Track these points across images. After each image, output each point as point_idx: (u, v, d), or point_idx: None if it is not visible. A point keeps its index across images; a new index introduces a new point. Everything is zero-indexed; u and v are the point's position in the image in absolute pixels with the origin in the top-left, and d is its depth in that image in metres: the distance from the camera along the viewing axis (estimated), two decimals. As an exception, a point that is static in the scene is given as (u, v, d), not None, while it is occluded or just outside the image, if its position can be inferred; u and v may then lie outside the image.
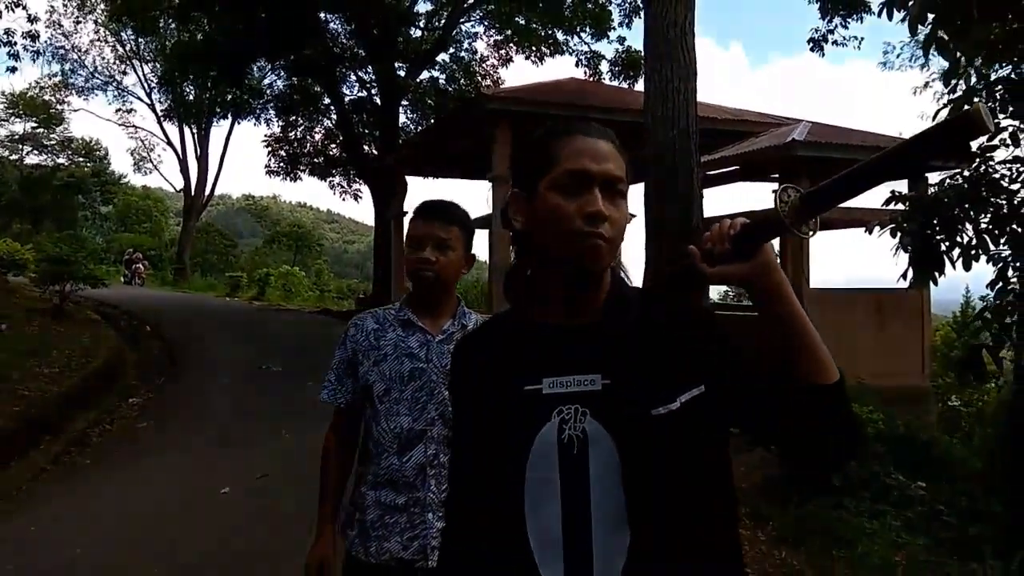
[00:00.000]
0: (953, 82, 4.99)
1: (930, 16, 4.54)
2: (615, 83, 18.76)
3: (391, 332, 2.04)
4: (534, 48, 21.14)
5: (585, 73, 19.43)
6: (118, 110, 32.95)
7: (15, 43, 15.73)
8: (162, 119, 30.03)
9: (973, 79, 5.21)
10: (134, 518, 4.71)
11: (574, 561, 1.09)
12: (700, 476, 1.12)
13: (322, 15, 18.28)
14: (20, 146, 35.81)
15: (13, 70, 22.24)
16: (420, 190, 21.48)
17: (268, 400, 8.29)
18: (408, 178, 16.17)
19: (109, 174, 40.29)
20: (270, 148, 20.85)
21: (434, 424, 1.97)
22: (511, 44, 21.75)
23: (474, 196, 31.66)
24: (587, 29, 19.30)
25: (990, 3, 4.72)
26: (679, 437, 1.09)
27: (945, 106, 5.26)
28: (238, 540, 4.33)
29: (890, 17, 5.09)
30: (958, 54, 4.71)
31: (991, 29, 5.03)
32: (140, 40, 28.76)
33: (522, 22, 21.01)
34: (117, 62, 30.46)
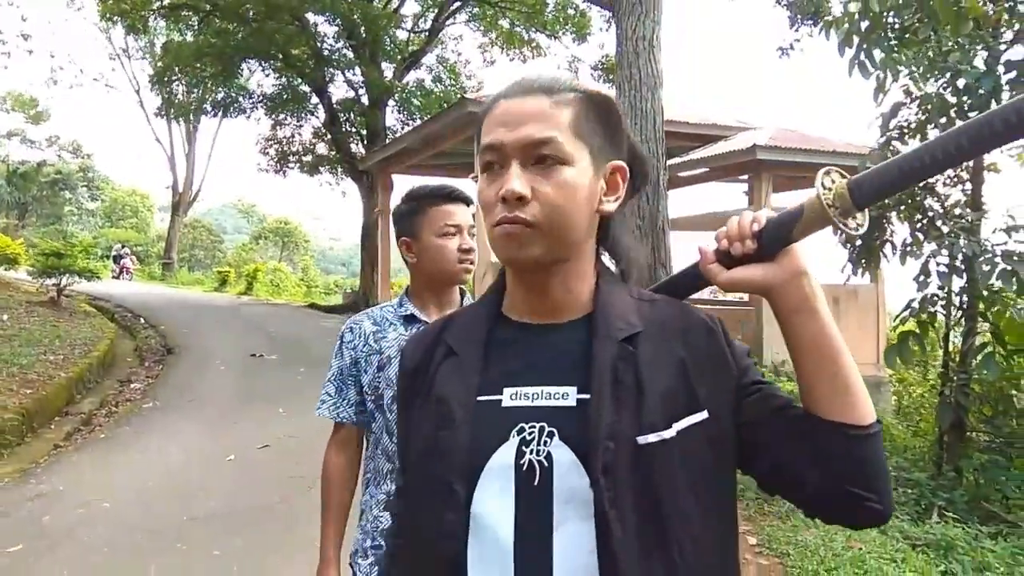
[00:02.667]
0: (881, 97, 5.63)
1: (855, 39, 5.18)
2: (596, 85, 19.39)
3: (392, 332, 1.85)
4: (517, 51, 21.77)
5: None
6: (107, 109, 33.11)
7: (5, 41, 16.13)
8: (155, 116, 30.27)
9: (900, 95, 5.87)
10: (150, 479, 5.30)
11: None
12: (694, 524, 0.88)
13: (310, 17, 18.77)
14: (7, 140, 35.97)
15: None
16: (407, 188, 21.96)
17: (264, 384, 8.84)
18: (395, 176, 16.66)
19: (96, 171, 40.45)
20: (262, 148, 21.30)
21: None
22: (495, 46, 22.37)
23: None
24: (568, 34, 19.90)
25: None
26: (670, 473, 0.86)
27: (876, 118, 5.93)
28: (244, 497, 4.91)
29: (827, 38, 5.74)
30: (881, 74, 5.34)
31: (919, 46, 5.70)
32: (129, 38, 29.13)
33: (506, 25, 21.64)
34: (107, 59, 30.67)
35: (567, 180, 0.91)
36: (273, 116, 21.08)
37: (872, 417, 0.88)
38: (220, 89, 19.77)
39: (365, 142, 19.88)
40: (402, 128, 20.77)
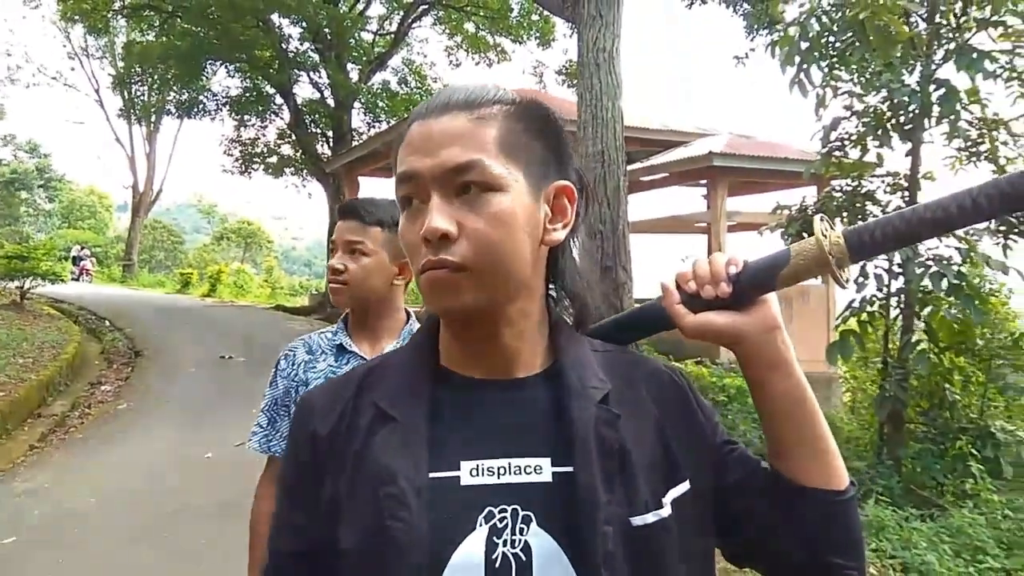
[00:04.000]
0: (821, 111, 6.06)
1: (797, 59, 5.59)
2: (562, 89, 19.81)
3: (322, 362, 1.73)
4: (483, 54, 22.09)
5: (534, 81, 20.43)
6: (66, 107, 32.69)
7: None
8: (116, 117, 29.95)
9: (840, 110, 6.31)
10: (133, 475, 5.50)
11: None
12: None
13: (275, 19, 18.86)
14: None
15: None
16: (373, 190, 22.18)
17: (235, 385, 9.00)
18: (362, 178, 16.82)
19: (53, 170, 39.79)
20: (226, 149, 21.30)
21: None
22: (461, 50, 22.66)
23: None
24: (533, 39, 20.27)
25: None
26: (664, 555, 0.77)
27: (818, 131, 6.36)
28: (226, 490, 5.12)
29: (773, 56, 6.14)
30: (820, 91, 5.77)
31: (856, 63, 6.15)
32: (88, 37, 28.76)
33: (471, 29, 21.95)
34: (66, 58, 30.26)
35: (500, 210, 0.76)
36: (237, 117, 21.10)
37: (847, 480, 0.82)
38: (185, 91, 19.73)
39: (331, 144, 20.02)
40: (368, 130, 20.94)
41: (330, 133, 20.27)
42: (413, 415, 0.79)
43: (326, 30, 18.34)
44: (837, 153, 6.41)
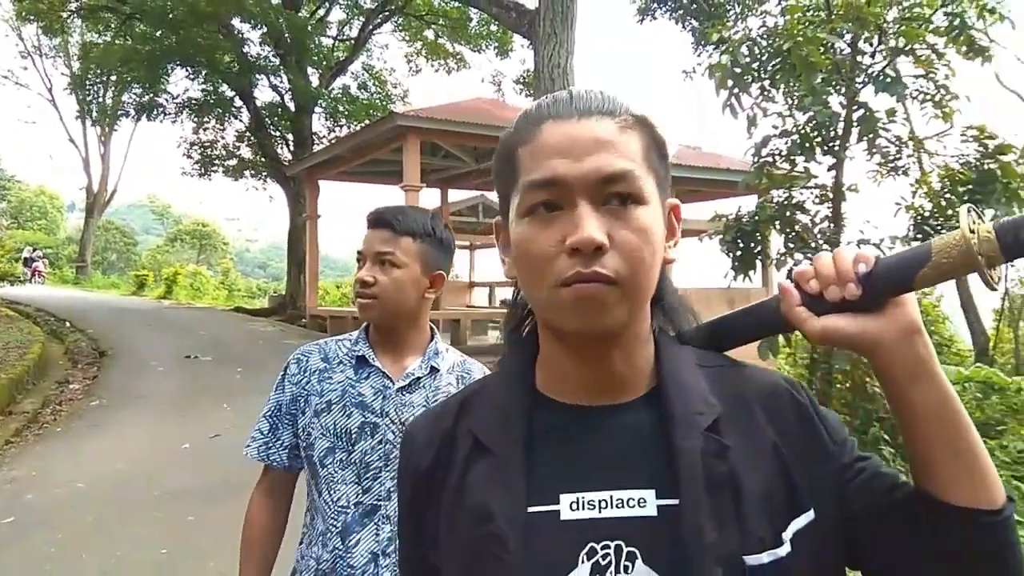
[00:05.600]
0: (753, 129, 6.68)
1: (730, 82, 6.20)
2: (520, 98, 20.35)
3: (339, 373, 1.63)
4: (442, 62, 22.55)
5: (494, 89, 20.96)
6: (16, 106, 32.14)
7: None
8: (73, 119, 29.62)
9: (770, 128, 6.95)
10: (116, 463, 5.83)
11: None
12: None
13: (236, 24, 19.05)
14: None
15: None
16: (334, 193, 22.42)
17: (204, 383, 9.31)
18: (323, 182, 17.10)
19: (2, 170, 38.99)
20: (185, 152, 21.35)
21: (390, 499, 1.55)
22: (421, 56, 23.09)
23: (393, 203, 32.33)
24: (491, 49, 20.79)
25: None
26: None
27: (750, 148, 6.98)
28: (207, 476, 5.51)
29: (711, 78, 6.75)
30: (751, 112, 6.39)
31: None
32: (42, 36, 28.39)
33: (431, 36, 22.40)
34: (18, 57, 29.81)
35: (647, 223, 0.73)
36: (196, 120, 21.17)
37: (1004, 497, 0.72)
38: (146, 94, 19.78)
39: (292, 147, 20.23)
40: (329, 134, 21.20)
41: (290, 136, 20.49)
42: (510, 446, 0.76)
43: (287, 36, 18.56)
44: (769, 167, 7.05)
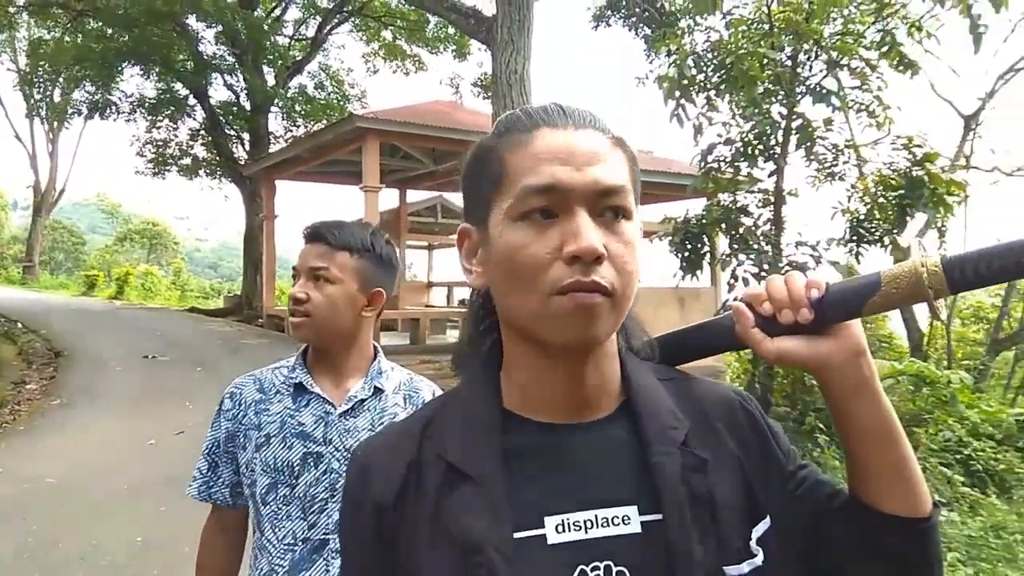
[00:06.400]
0: (699, 137, 7.08)
1: (677, 93, 6.57)
2: (478, 100, 20.57)
3: (277, 404, 1.56)
4: (400, 63, 22.67)
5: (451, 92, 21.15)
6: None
7: None
8: (23, 116, 28.89)
9: (715, 137, 7.36)
10: (83, 458, 5.95)
11: None
12: None
13: (191, 22, 18.93)
14: None
15: None
16: (290, 193, 22.37)
17: (165, 382, 9.37)
18: (280, 182, 17.11)
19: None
20: (138, 150, 21.08)
21: (337, 532, 1.44)
22: (378, 57, 23.17)
23: (351, 203, 32.25)
24: (449, 51, 20.99)
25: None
26: None
27: (696, 155, 7.38)
28: (175, 468, 5.58)
29: (661, 88, 7.12)
30: (697, 121, 6.79)
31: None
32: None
33: (388, 37, 22.50)
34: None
35: (632, 238, 0.75)
36: (150, 118, 20.93)
37: (931, 505, 0.78)
38: (99, 92, 19.51)
39: (247, 146, 20.15)
40: (285, 133, 21.15)
41: (246, 136, 20.40)
42: (489, 470, 0.74)
43: (243, 35, 18.50)
44: (715, 172, 7.45)
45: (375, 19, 21.25)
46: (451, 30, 20.10)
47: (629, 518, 0.72)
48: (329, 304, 1.54)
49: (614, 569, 0.70)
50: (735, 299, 0.82)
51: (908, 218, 7.33)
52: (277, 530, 1.48)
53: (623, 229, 0.74)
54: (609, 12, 15.67)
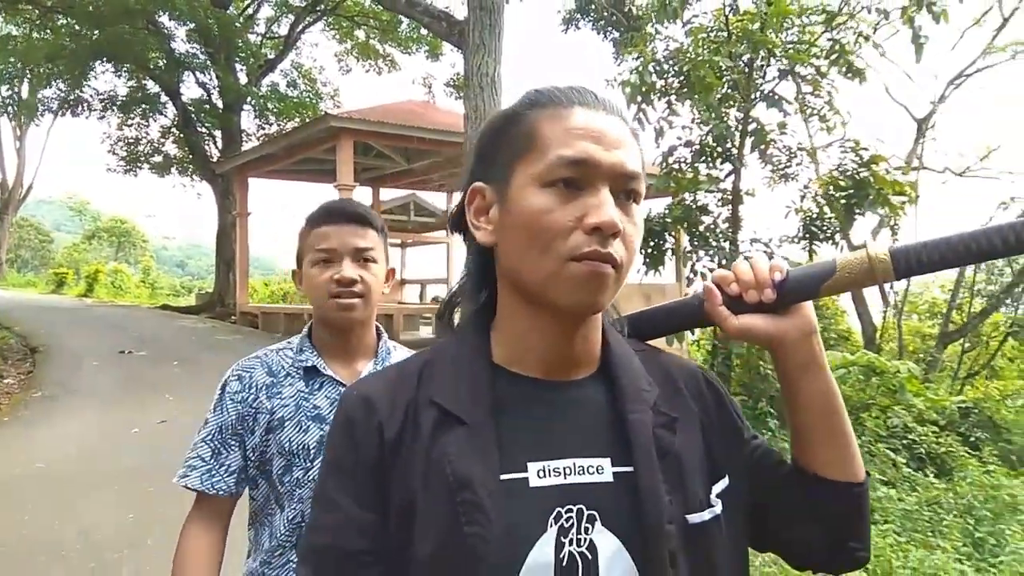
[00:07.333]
0: (660, 140, 7.47)
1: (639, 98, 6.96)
2: (450, 100, 20.81)
3: (288, 387, 1.54)
4: (372, 62, 22.86)
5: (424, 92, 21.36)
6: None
7: None
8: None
9: (675, 140, 7.76)
10: (69, 445, 6.18)
11: None
12: None
13: (164, 20, 18.96)
14: None
15: None
16: (257, 190, 22.41)
17: (143, 375, 9.56)
18: (253, 180, 17.23)
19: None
20: (110, 148, 21.05)
21: None
22: (351, 56, 23.33)
23: (323, 201, 32.19)
24: (422, 52, 21.21)
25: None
26: (717, 551, 0.81)
27: (657, 157, 7.77)
28: (161, 454, 5.85)
29: (623, 93, 7.49)
30: (658, 125, 7.18)
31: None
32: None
33: (361, 36, 22.67)
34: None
35: (640, 221, 0.82)
36: (122, 115, 20.89)
37: (863, 471, 0.88)
38: (72, 90, 19.47)
39: (220, 144, 20.22)
40: (258, 131, 21.24)
41: (218, 134, 20.46)
42: (481, 416, 0.79)
43: (216, 33, 18.57)
44: (676, 172, 7.85)
45: (348, 19, 21.43)
46: (424, 31, 20.35)
47: (603, 468, 0.79)
48: (376, 284, 1.57)
49: (586, 512, 0.77)
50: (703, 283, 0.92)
51: (855, 217, 7.80)
52: (287, 509, 1.48)
53: (634, 211, 0.81)
54: (578, 15, 16.05)
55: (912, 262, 0.83)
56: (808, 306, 0.86)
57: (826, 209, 7.82)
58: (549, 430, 0.81)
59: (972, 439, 8.54)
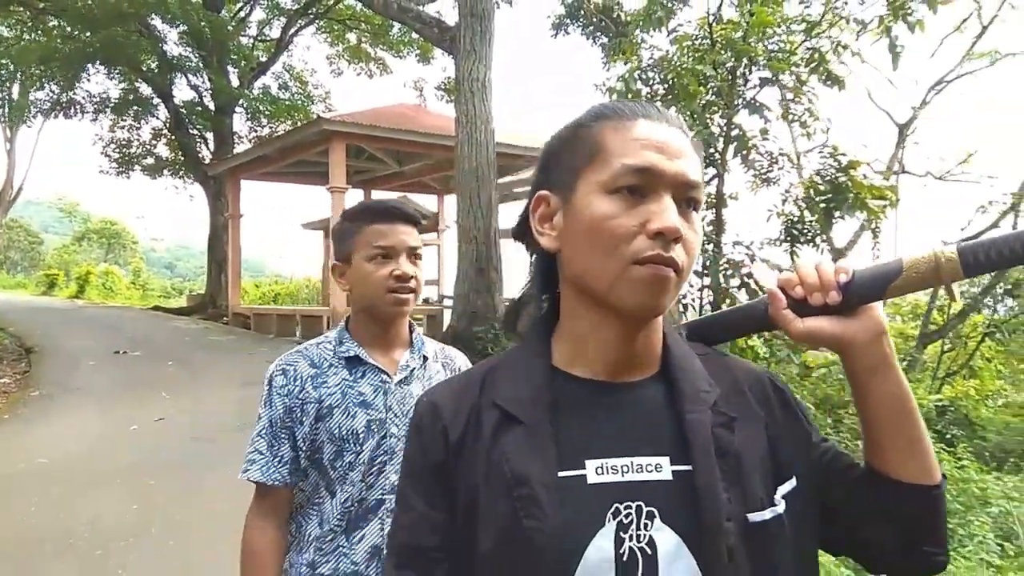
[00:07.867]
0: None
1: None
2: (441, 104, 21.00)
3: (333, 376, 1.62)
4: (364, 66, 23.04)
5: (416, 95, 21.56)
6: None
7: None
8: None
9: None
10: (70, 442, 6.33)
11: None
12: None
13: (156, 22, 19.08)
14: None
15: None
16: (251, 193, 22.54)
17: (140, 375, 9.71)
18: (246, 182, 17.35)
19: None
20: (102, 150, 21.14)
21: (394, 492, 1.49)
22: (342, 59, 23.51)
23: (313, 202, 32.34)
24: (413, 55, 21.41)
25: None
26: (780, 551, 0.82)
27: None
28: (160, 451, 6.08)
29: (610, 98, 7.72)
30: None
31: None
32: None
33: (353, 40, 22.86)
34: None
35: (699, 228, 0.85)
36: (114, 117, 21.00)
37: (939, 473, 0.87)
38: (64, 92, 19.56)
39: (212, 147, 20.34)
40: (250, 133, 21.37)
41: (211, 136, 20.58)
42: (539, 416, 0.83)
43: (208, 36, 18.69)
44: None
45: (340, 22, 21.61)
46: (415, 35, 20.54)
47: (661, 466, 0.80)
48: (422, 279, 1.71)
49: (644, 509, 0.78)
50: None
51: (835, 221, 8.04)
52: (338, 494, 1.56)
53: (694, 219, 0.83)
54: (568, 20, 16.28)
55: (981, 259, 0.82)
56: (877, 307, 0.85)
57: (807, 213, 8.07)
58: (607, 429, 0.83)
59: (948, 436, 8.78)
